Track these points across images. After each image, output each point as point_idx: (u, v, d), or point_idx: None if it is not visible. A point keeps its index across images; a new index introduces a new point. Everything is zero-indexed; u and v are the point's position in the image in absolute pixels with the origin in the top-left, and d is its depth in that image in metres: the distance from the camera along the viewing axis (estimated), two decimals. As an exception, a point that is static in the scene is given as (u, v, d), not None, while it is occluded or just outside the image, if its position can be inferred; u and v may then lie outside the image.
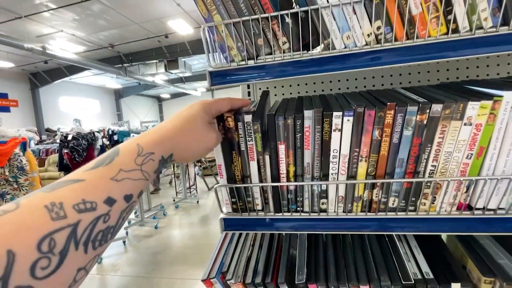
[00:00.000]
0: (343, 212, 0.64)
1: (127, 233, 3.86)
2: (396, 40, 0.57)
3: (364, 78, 1.09)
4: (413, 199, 0.60)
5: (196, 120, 0.46)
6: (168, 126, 0.43)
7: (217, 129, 0.58)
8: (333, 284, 0.62)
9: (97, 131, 3.41)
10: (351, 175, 0.61)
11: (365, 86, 1.10)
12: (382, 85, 1.08)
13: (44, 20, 7.03)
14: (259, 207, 0.68)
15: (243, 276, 0.67)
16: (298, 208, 0.67)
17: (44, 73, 11.92)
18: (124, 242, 3.57)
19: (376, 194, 0.62)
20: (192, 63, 11.74)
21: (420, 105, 0.52)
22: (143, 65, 10.68)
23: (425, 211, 0.61)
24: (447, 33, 0.55)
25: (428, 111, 0.53)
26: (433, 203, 0.60)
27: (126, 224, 4.07)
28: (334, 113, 0.56)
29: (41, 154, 8.46)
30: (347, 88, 1.12)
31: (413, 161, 0.57)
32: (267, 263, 0.70)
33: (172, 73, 11.05)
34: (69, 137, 3.11)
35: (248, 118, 0.59)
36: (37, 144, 7.00)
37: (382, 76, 1.08)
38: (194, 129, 0.45)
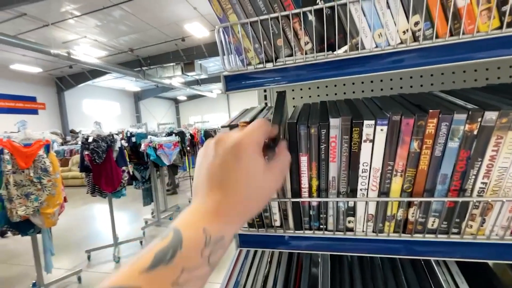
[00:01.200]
0: (373, 232, 0.57)
1: (144, 233, 3.92)
2: (437, 37, 0.50)
3: (391, 80, 1.00)
4: (457, 220, 0.52)
5: (258, 175, 0.33)
6: (233, 196, 0.31)
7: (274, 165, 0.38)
8: (361, 312, 0.55)
9: (116, 134, 3.49)
10: (383, 191, 0.54)
11: (391, 89, 1.02)
12: (411, 87, 0.99)
13: (69, 27, 7.37)
14: (278, 223, 0.62)
15: (260, 298, 0.61)
16: (321, 226, 0.60)
17: (69, 77, 12.52)
18: (141, 242, 3.63)
19: (413, 213, 0.54)
20: (208, 65, 11.88)
21: (470, 112, 0.44)
22: (160, 68, 10.95)
23: (471, 235, 0.52)
24: (500, 28, 0.47)
25: (479, 119, 0.45)
26: (482, 226, 0.52)
27: (143, 224, 4.15)
28: (365, 122, 0.49)
29: (65, 155, 8.87)
30: (372, 90, 1.04)
31: (459, 177, 0.49)
32: (286, 283, 0.65)
33: (188, 76, 11.24)
34: (90, 139, 3.20)
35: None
36: (61, 145, 7.33)
37: (411, 77, 0.98)
38: (256, 180, 0.32)
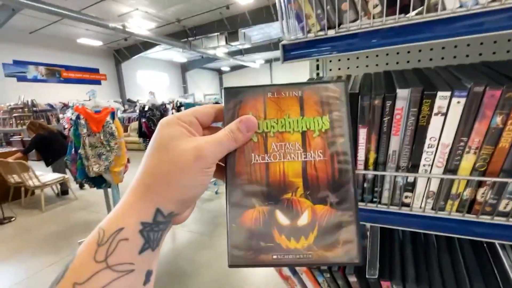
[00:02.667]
0: (432, 209, 0.55)
1: (192, 195, 4.33)
2: (546, -10, 0.41)
3: (455, 47, 0.86)
4: (538, 205, 0.47)
5: (171, 141, 0.25)
6: (140, 171, 0.25)
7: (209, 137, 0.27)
8: (411, 286, 0.55)
9: (168, 103, 3.74)
10: (450, 169, 0.50)
11: (467, 56, 0.88)
12: (480, 54, 0.85)
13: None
14: (330, 193, 0.64)
15: (308, 260, 0.66)
16: (374, 199, 0.60)
17: (125, 50, 13.46)
18: (190, 203, 4.03)
19: (483, 194, 0.50)
20: (252, 34, 11.59)
21: None
22: (205, 38, 11.04)
23: (554, 222, 0.47)
24: None
25: None
26: None
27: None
28: (439, 93, 0.45)
29: (124, 122, 9.90)
30: (442, 58, 0.91)
31: (550, 158, 0.43)
32: (334, 250, 0.67)
33: (232, 45, 11.15)
34: (146, 108, 3.50)
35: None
36: (122, 113, 8.15)
37: (495, 42, 0.84)
38: (172, 159, 0.24)
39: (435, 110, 0.46)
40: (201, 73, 19.68)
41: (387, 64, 0.99)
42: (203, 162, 0.24)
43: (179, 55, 15.54)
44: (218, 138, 0.25)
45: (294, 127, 0.26)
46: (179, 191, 0.24)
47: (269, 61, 19.27)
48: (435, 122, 0.47)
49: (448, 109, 0.45)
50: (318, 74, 1.12)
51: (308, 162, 0.26)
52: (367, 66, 1.03)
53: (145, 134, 3.59)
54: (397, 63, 0.98)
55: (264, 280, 2.28)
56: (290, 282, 0.72)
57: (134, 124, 8.98)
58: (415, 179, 0.53)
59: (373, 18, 0.52)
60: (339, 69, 1.09)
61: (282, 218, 0.26)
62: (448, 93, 0.44)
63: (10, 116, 6.89)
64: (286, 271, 0.69)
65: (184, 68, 17.98)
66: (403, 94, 0.48)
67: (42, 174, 4.14)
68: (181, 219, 0.27)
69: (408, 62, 0.96)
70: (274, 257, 0.25)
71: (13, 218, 3.71)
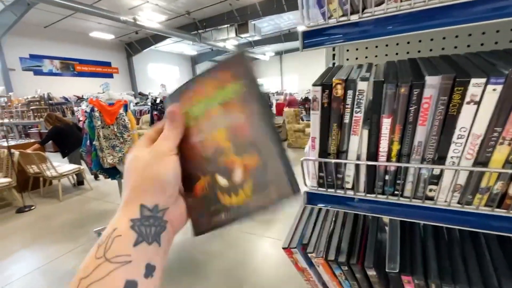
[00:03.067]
0: (458, 203, 0.53)
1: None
2: None
3: (483, 33, 0.81)
4: None
5: (138, 151, 0.30)
6: (124, 188, 0.29)
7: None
8: (434, 281, 0.54)
9: (179, 96, 3.75)
10: (481, 161, 0.48)
11: (496, 43, 0.83)
12: (496, 43, 0.80)
13: (134, -8, 7.78)
14: (349, 185, 0.62)
15: (325, 252, 0.65)
16: (396, 192, 0.58)
17: (136, 43, 13.57)
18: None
19: (516, 188, 0.47)
20: (262, 26, 11.43)
21: None
22: (215, 30, 10.97)
23: None
24: None
25: None
26: None
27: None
28: (473, 80, 0.42)
29: (136, 115, 10.06)
30: (468, 46, 0.87)
31: None
32: (351, 243, 0.66)
33: (242, 38, 11.05)
34: (157, 100, 3.52)
35: (362, 85, 0.50)
36: (134, 106, 8.26)
37: (497, 31, 0.79)
38: (140, 164, 0.28)
39: (467, 99, 0.44)
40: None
41: (407, 53, 0.95)
42: (161, 152, 0.29)
43: (189, 48, 15.56)
44: (162, 134, 0.31)
45: (215, 101, 0.30)
46: (154, 181, 0.27)
47: (279, 53, 19.02)
48: (467, 111, 0.45)
49: (482, 97, 0.43)
50: (334, 64, 1.09)
51: (231, 126, 0.29)
52: (386, 55, 0.99)
53: (157, 126, 3.64)
54: (419, 51, 0.93)
55: (275, 270, 2.30)
56: (305, 274, 0.71)
57: (146, 117, 9.10)
58: (442, 171, 0.51)
59: (401, 1, 0.49)
60: (357, 58, 1.05)
61: (221, 180, 0.29)
62: (483, 80, 0.42)
63: (28, 109, 7.12)
64: (302, 263, 0.69)
65: (194, 61, 18.01)
66: (432, 81, 0.45)
67: (59, 165, 4.28)
68: (177, 216, 0.29)
69: (430, 50, 0.92)
70: (223, 216, 0.29)
71: (33, 207, 3.87)
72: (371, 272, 0.59)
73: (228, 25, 10.34)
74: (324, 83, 0.54)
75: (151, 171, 0.28)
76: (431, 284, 0.54)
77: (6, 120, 6.68)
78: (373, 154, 0.56)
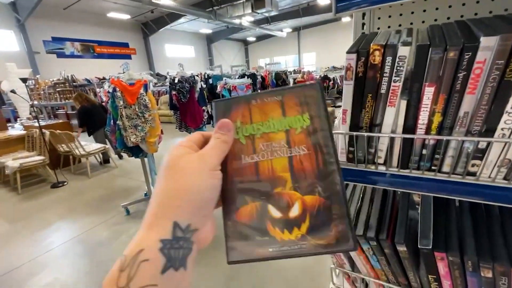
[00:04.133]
0: (505, 179, 0.49)
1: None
2: None
3: None
4: None
5: (178, 158, 0.26)
6: (155, 191, 0.26)
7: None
8: (470, 258, 0.52)
9: (196, 75, 3.74)
10: (537, 133, 0.43)
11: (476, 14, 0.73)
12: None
13: (148, -32, 7.58)
14: (381, 160, 0.59)
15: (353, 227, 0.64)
16: (433, 167, 0.55)
17: (152, 22, 13.48)
18: (219, 173, 4.19)
19: None
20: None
21: None
22: (231, 6, 10.61)
23: None
24: None
25: None
26: None
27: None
28: (540, 39, 0.37)
29: (154, 95, 10.23)
30: (505, 10, 0.77)
31: None
32: (380, 219, 0.65)
33: (258, 13, 10.63)
34: (176, 80, 3.53)
35: (404, 50, 0.46)
36: (153, 86, 8.37)
37: None
38: (181, 171, 0.25)
39: (529, 61, 0.39)
40: (226, 45, 19.28)
41: (448, 18, 0.86)
42: (207, 164, 0.26)
43: (204, 26, 15.25)
44: (211, 145, 0.28)
45: (278, 127, 0.29)
46: (191, 197, 0.24)
47: (297, 29, 18.20)
48: (527, 76, 0.40)
49: (549, 59, 0.38)
50: (363, 33, 1.02)
51: (293, 157, 0.28)
52: (423, 22, 0.91)
53: (176, 106, 3.68)
54: (461, 16, 0.84)
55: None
56: (331, 248, 0.72)
57: (164, 98, 9.24)
58: (489, 145, 0.47)
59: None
60: (389, 26, 0.97)
61: (274, 212, 0.27)
62: (552, 39, 0.36)
63: (54, 91, 7.43)
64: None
65: (210, 39, 17.70)
66: (488, 43, 0.40)
67: (86, 144, 4.52)
68: (204, 236, 0.26)
69: (475, 14, 0.82)
70: (271, 250, 0.26)
71: (66, 183, 4.16)
72: (402, 248, 0.58)
73: (244, 0, 9.94)
74: (360, 49, 0.50)
75: (192, 183, 0.24)
76: (467, 261, 0.52)
77: (36, 102, 7.04)
78: (410, 127, 0.53)
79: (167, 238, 0.22)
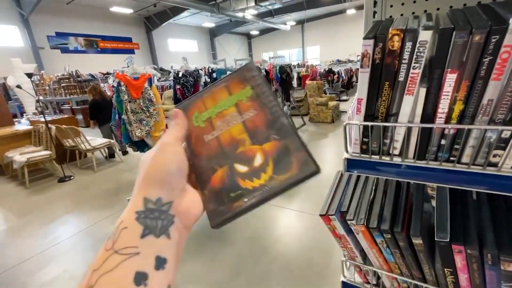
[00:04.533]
0: (529, 170, 0.47)
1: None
2: None
3: None
4: None
5: (149, 151, 0.30)
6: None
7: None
8: (491, 251, 0.50)
9: (200, 69, 3.71)
10: None
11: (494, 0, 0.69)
12: None
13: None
14: (397, 152, 0.58)
15: (366, 220, 0.63)
16: (452, 158, 0.53)
17: (154, 16, 13.39)
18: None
19: None
20: (283, -8, 10.72)
21: None
22: (234, -1, 10.48)
23: None
24: None
25: None
26: None
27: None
28: None
29: (158, 90, 10.21)
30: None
31: None
32: (394, 212, 0.63)
33: (261, 6, 10.48)
34: (180, 74, 3.52)
35: (425, 35, 0.44)
36: (157, 81, 8.36)
37: None
38: (147, 154, 0.29)
39: (563, 44, 0.36)
40: (229, 39, 19.12)
41: (464, 5, 0.83)
42: (166, 143, 0.29)
43: (207, 20, 15.11)
44: (169, 127, 0.33)
45: (228, 104, 0.33)
46: (156, 173, 0.27)
47: (301, 22, 17.96)
48: (560, 59, 0.37)
49: None
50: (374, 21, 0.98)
51: (246, 120, 0.32)
52: (438, 9, 0.88)
53: (180, 100, 3.67)
54: (479, 3, 0.81)
55: (297, 239, 2.37)
56: (342, 241, 0.71)
57: (168, 92, 9.23)
58: (513, 134, 0.45)
59: None
60: (402, 14, 0.94)
61: (241, 168, 0.30)
62: None
63: (59, 86, 7.47)
64: (340, 230, 0.68)
65: (213, 33, 17.56)
66: (519, 24, 0.38)
67: (92, 139, 4.54)
68: (185, 209, 0.28)
69: (494, 0, 0.79)
70: (246, 200, 0.29)
71: (72, 177, 4.21)
72: (417, 241, 0.57)
73: (248, -7, 9.81)
74: (378, 34, 0.47)
75: (155, 163, 0.28)
76: (487, 254, 0.51)
77: (41, 98, 7.09)
78: (429, 116, 0.51)
79: (140, 210, 0.26)
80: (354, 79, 11.01)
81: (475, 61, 0.43)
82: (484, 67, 0.43)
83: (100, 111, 4.44)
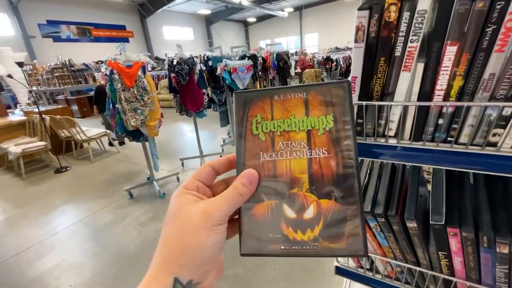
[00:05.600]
0: (529, 149, 0.45)
1: (222, 149, 4.46)
2: None
3: None
4: None
5: (181, 209, 0.26)
6: (159, 242, 0.26)
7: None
8: (486, 234, 0.49)
9: (196, 57, 3.63)
10: None
11: None
12: None
13: None
14: (392, 133, 0.55)
15: (360, 204, 0.61)
16: (449, 139, 0.51)
17: (148, 3, 13.01)
18: (220, 156, 4.17)
19: None
20: (281, -24, 10.42)
21: None
22: (230, -16, 10.17)
23: None
24: None
25: None
26: None
27: (221, 142, 4.67)
28: None
29: (154, 80, 10.06)
30: None
31: None
32: (389, 196, 0.62)
33: (259, -9, 10.19)
34: (174, 62, 3.44)
35: (424, 4, 0.40)
36: (150, 70, 8.22)
37: None
38: (184, 225, 0.25)
39: None
40: (226, 26, 18.71)
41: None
42: (211, 221, 0.25)
43: (202, 7, 14.73)
44: (224, 196, 0.26)
45: (300, 126, 0.28)
46: (194, 255, 0.24)
47: (298, 9, 17.56)
48: None
49: None
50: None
51: (313, 159, 0.27)
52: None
53: (175, 89, 3.60)
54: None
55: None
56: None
57: (163, 82, 9.09)
58: (515, 110, 0.43)
59: None
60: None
61: (289, 212, 0.27)
62: None
63: (52, 76, 7.32)
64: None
65: (209, 20, 17.16)
66: (526, -13, 0.35)
67: (87, 129, 4.49)
68: (208, 284, 0.26)
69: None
70: (282, 247, 0.27)
71: (69, 168, 4.18)
72: (411, 224, 0.55)
73: (244, -23, 9.51)
74: (374, 4, 0.44)
75: (194, 241, 0.24)
76: (483, 237, 0.49)
77: (34, 88, 6.96)
78: (426, 93, 0.48)
79: None
80: (352, 66, 10.85)
81: (477, 31, 0.40)
82: (487, 38, 0.40)
83: (102, 97, 4.38)
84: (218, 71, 4.06)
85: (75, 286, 1.93)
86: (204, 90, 3.79)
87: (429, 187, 0.65)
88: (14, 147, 3.86)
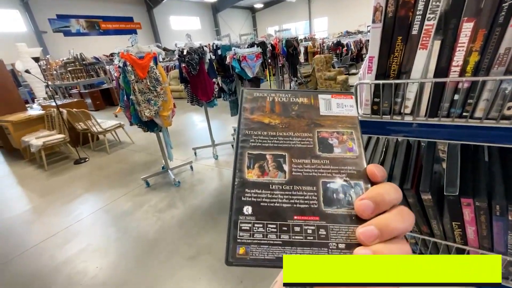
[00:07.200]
0: (544, 121, 0.47)
1: (233, 139, 4.52)
2: None
3: None
4: None
5: None
6: None
7: None
8: (499, 202, 0.52)
9: (205, 46, 3.63)
10: None
11: None
12: None
13: None
14: (408, 110, 0.58)
15: (376, 180, 0.64)
16: (464, 113, 0.53)
17: (154, -7, 12.91)
18: (232, 145, 4.24)
19: None
20: (288, -41, 10.08)
21: None
22: (236, -30, 9.94)
23: None
24: None
25: None
26: None
27: (232, 131, 4.72)
28: None
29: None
30: None
31: None
32: (404, 171, 0.65)
33: (265, -24, 9.92)
34: (184, 52, 3.46)
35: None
36: (161, 61, 8.24)
37: None
38: None
39: None
40: (233, 13, 18.41)
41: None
42: None
43: (209, -6, 14.50)
44: None
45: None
46: None
47: (307, -8, 16.99)
48: None
49: None
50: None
51: None
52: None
53: (186, 79, 3.64)
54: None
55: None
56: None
57: (173, 73, 9.14)
58: (530, 83, 0.44)
59: None
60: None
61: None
62: None
63: (65, 70, 7.49)
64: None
65: (215, 8, 16.92)
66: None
67: (103, 121, 4.63)
68: None
69: None
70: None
71: (87, 159, 4.36)
72: (426, 196, 0.58)
73: (250, -38, 9.25)
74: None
75: None
76: (495, 205, 0.52)
77: (49, 83, 7.16)
78: (443, 70, 0.50)
79: None
80: (364, 51, 10.57)
81: (494, 7, 0.41)
82: (503, 13, 0.41)
83: None
84: (228, 59, 4.05)
85: (102, 267, 2.07)
86: (214, 80, 3.82)
87: (444, 165, 0.67)
88: (35, 140, 4.04)
